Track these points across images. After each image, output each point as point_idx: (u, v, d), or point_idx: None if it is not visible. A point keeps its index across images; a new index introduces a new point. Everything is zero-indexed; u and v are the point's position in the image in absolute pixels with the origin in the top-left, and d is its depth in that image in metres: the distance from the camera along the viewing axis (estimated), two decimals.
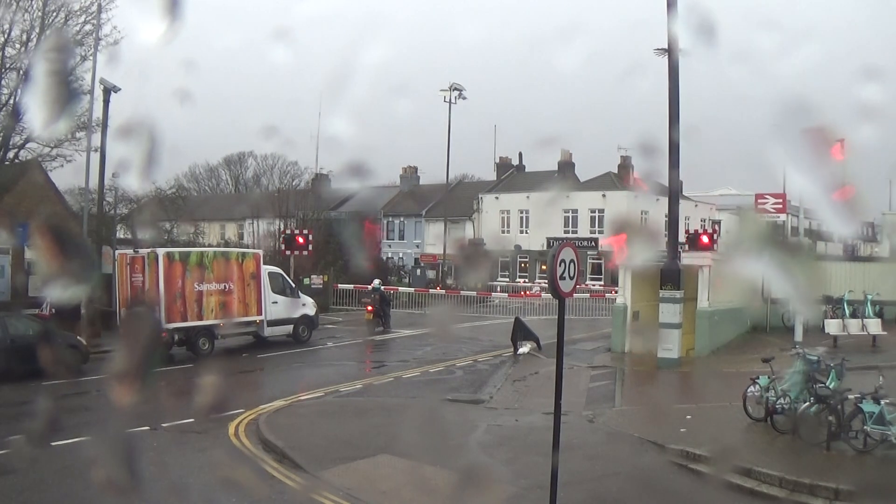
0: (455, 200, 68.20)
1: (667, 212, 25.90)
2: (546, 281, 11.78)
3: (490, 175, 77.61)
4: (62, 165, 36.90)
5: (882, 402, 13.51)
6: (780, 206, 33.40)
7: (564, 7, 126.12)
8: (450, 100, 58.59)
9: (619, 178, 65.27)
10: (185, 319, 26.01)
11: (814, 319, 25.50)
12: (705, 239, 28.11)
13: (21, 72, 33.09)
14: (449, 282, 55.75)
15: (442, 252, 62.77)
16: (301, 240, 40.44)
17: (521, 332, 27.98)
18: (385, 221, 75.36)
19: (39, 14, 33.98)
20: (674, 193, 25.41)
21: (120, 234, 37.97)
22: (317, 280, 43.46)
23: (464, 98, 59.26)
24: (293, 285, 32.19)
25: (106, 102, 31.68)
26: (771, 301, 27.80)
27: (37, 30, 33.71)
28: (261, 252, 32.62)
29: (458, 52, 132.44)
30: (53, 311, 26.61)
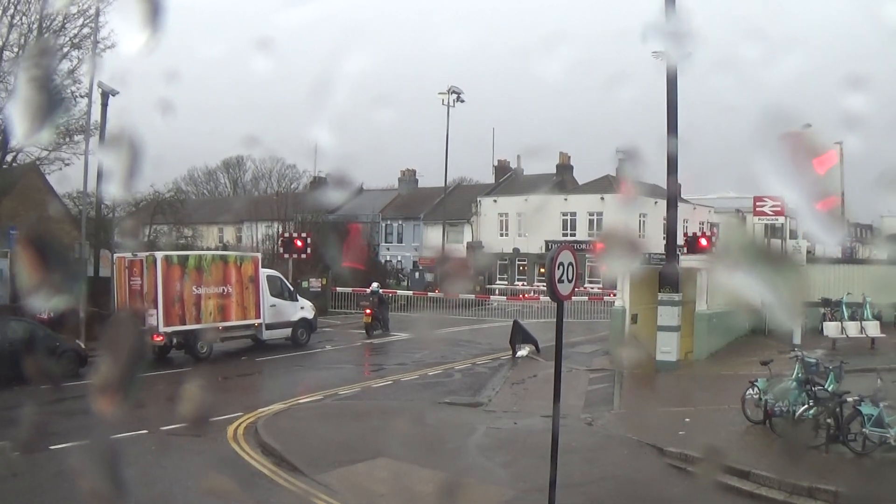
0: (453, 203, 68.21)
1: (665, 215, 25.94)
2: (545, 284, 11.79)
3: (488, 178, 77.63)
4: (60, 169, 36.88)
5: (881, 404, 13.52)
6: (779, 208, 33.39)
7: (562, 11, 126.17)
8: (448, 103, 58.61)
9: (618, 181, 65.13)
10: (183, 323, 26.02)
11: (797, 327, 25.43)
12: (703, 242, 28.15)
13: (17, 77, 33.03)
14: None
15: (442, 250, 62.72)
16: (299, 243, 40.47)
17: (519, 335, 27.99)
18: (383, 224, 75.28)
19: (37, 18, 33.97)
20: (672, 197, 25.40)
21: (118, 238, 37.92)
22: (315, 283, 43.41)
23: (462, 101, 59.27)
24: (291, 288, 32.21)
25: (104, 106, 31.70)
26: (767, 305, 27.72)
27: (34, 34, 33.67)
28: (259, 255, 32.62)
29: (457, 54, 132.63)
30: (52, 314, 26.58)
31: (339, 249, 46.60)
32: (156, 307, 25.21)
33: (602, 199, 62.49)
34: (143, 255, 26.48)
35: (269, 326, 29.30)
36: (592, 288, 50.90)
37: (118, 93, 31.35)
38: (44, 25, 33.86)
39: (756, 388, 16.04)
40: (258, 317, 28.61)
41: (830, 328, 26.09)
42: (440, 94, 59.00)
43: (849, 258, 42.98)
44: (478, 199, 72.09)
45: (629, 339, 26.05)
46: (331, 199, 56.80)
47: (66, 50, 34.00)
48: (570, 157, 71.98)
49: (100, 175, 31.77)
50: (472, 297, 46.04)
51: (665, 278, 23.92)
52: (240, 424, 16.98)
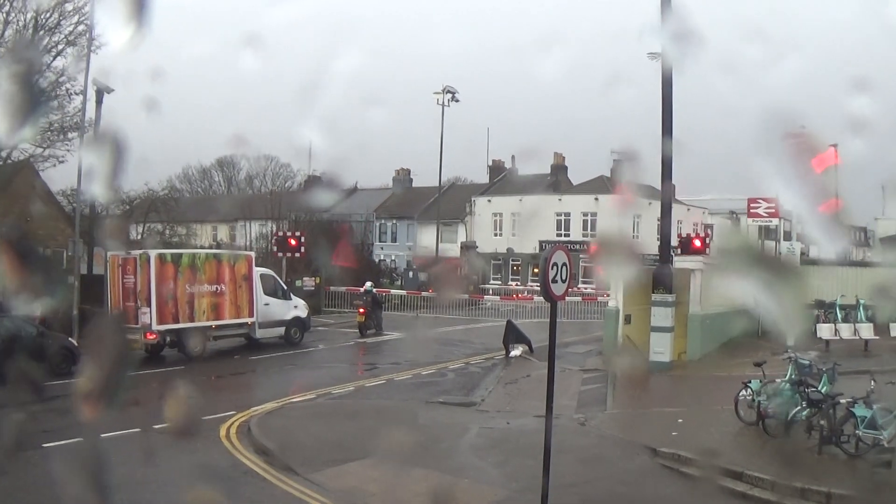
0: (448, 203, 68.15)
1: (659, 216, 25.96)
2: (538, 284, 11.80)
3: (483, 178, 77.55)
4: (54, 166, 36.78)
5: (874, 406, 13.54)
6: (773, 209, 33.37)
7: (560, 12, 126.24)
8: (443, 102, 58.40)
9: (612, 181, 65.13)
10: (176, 321, 25.96)
11: (800, 332, 25.42)
12: (697, 243, 28.16)
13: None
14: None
15: (435, 255, 62.51)
16: (293, 242, 40.45)
17: (512, 334, 27.98)
18: (377, 224, 75.23)
19: (33, 15, 33.90)
20: (666, 205, 25.42)
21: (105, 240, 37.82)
22: (309, 282, 43.35)
23: (457, 101, 58.95)
24: (285, 287, 32.15)
25: (98, 103, 31.60)
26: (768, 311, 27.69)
27: (30, 31, 33.60)
28: (253, 254, 32.59)
29: (452, 54, 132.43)
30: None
31: (330, 250, 46.48)
32: (149, 305, 25.18)
33: (596, 199, 62.57)
34: (136, 253, 26.42)
35: (263, 325, 29.25)
36: (586, 288, 50.88)
37: (113, 90, 31.25)
38: (39, 23, 33.80)
39: (749, 390, 16.05)
40: (251, 315, 28.56)
41: (824, 330, 26.09)
42: (435, 93, 58.77)
43: (843, 260, 42.99)
44: (472, 198, 72.04)
45: (623, 348, 26.00)
46: (323, 200, 56.90)
47: (61, 47, 34.01)
48: (564, 158, 72.01)
49: (89, 174, 31.81)
50: (466, 296, 46.01)
51: (659, 279, 23.93)
52: (233, 423, 16.98)
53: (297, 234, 42.57)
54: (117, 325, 16.41)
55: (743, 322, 25.85)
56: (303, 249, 40.79)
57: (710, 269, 25.18)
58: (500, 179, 73.97)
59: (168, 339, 26.12)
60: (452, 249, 67.40)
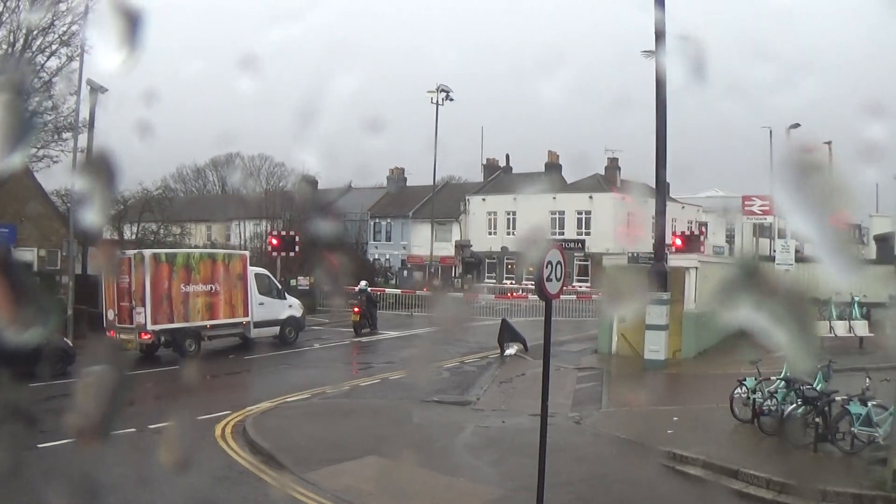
0: (442, 202, 68.12)
1: (654, 213, 26.03)
2: (533, 282, 11.76)
3: (477, 177, 77.57)
4: (48, 166, 36.73)
5: (869, 403, 13.54)
6: (767, 207, 33.42)
7: (557, 13, 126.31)
8: (437, 101, 58.38)
9: (606, 180, 65.28)
10: (171, 321, 25.92)
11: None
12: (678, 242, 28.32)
13: None
14: (435, 283, 55.64)
15: (429, 253, 62.56)
16: (276, 241, 40.55)
17: (507, 333, 27.95)
18: (372, 223, 75.24)
19: (26, 15, 33.78)
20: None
21: (105, 236, 37.82)
22: (303, 281, 43.33)
23: (451, 99, 58.97)
24: (280, 286, 32.13)
25: (93, 104, 31.52)
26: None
27: (23, 30, 33.55)
28: (247, 253, 32.56)
29: (446, 55, 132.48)
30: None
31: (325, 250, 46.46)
32: (144, 305, 25.14)
33: (590, 197, 62.64)
34: (131, 252, 26.39)
35: (258, 325, 29.18)
36: (581, 287, 50.93)
37: (107, 90, 31.18)
38: (32, 23, 33.70)
39: (744, 387, 16.07)
40: (246, 315, 28.51)
41: (819, 327, 26.07)
42: (429, 92, 58.80)
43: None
44: (466, 197, 72.08)
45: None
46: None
47: (55, 47, 33.94)
48: (558, 156, 72.10)
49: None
50: (461, 295, 46.01)
51: (654, 277, 23.95)
52: (228, 423, 16.94)
53: (292, 233, 42.59)
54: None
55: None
56: (297, 249, 40.82)
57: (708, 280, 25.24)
58: (495, 178, 74.00)
59: (163, 338, 26.08)
60: (447, 248, 67.42)
